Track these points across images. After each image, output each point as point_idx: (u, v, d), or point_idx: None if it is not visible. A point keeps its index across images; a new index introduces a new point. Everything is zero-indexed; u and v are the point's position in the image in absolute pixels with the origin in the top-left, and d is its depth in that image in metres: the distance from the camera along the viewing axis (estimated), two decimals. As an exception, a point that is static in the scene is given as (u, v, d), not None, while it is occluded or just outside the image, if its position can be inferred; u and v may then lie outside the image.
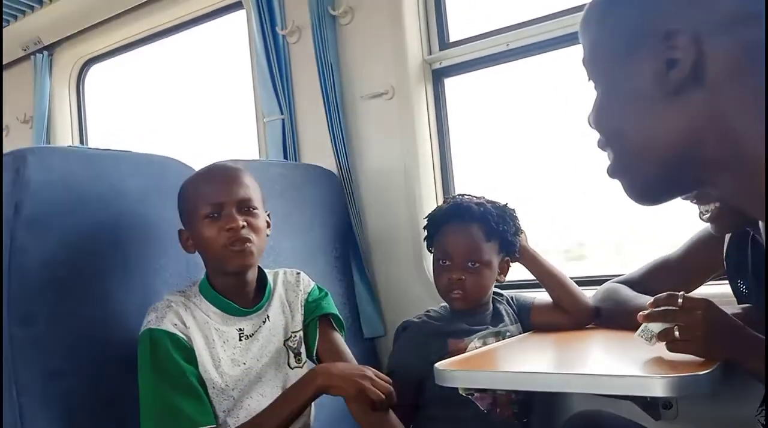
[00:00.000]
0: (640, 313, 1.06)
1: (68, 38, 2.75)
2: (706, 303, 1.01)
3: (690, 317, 1.00)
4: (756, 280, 1.12)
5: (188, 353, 1.13)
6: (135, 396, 1.11)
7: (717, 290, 1.34)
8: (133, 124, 2.96)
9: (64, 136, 2.84)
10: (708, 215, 1.08)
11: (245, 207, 1.18)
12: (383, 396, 1.11)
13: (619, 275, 1.47)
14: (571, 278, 1.49)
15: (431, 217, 1.49)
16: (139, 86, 2.97)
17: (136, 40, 2.65)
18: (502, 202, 1.46)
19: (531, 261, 1.47)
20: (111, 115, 3.00)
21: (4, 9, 2.64)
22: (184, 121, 2.75)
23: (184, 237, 1.21)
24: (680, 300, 1.02)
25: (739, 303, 1.16)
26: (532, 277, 1.51)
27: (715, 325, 0.99)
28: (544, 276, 1.46)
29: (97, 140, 2.92)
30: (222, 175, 1.20)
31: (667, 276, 1.09)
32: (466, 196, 1.47)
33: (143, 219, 1.31)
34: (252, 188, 1.20)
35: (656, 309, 1.04)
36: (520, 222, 1.47)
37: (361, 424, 1.19)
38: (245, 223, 1.15)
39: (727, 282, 1.24)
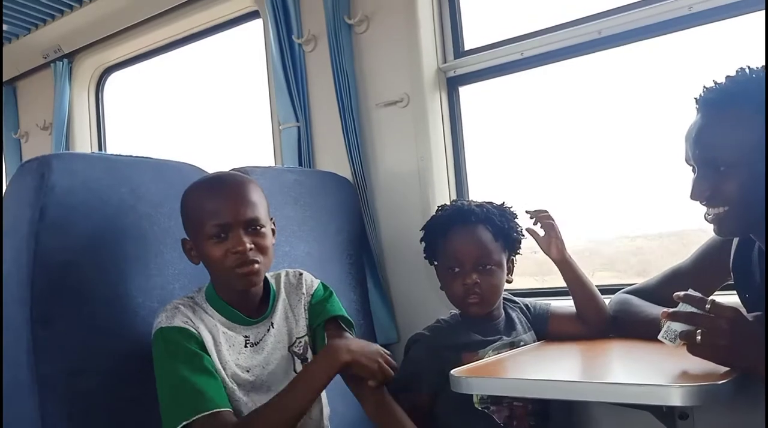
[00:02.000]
0: (664, 311, 1.04)
1: (88, 46, 2.80)
2: (735, 313, 1.00)
3: (717, 324, 0.99)
4: (762, 291, 1.11)
5: (201, 345, 1.13)
6: (155, 396, 1.12)
7: (725, 300, 1.33)
8: (152, 131, 3.00)
9: (83, 143, 2.88)
10: (712, 216, 1.08)
11: (252, 226, 1.15)
12: (392, 374, 1.16)
13: (632, 284, 1.47)
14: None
15: (431, 226, 1.48)
16: (157, 93, 3.01)
17: (155, 49, 2.68)
18: (499, 202, 1.47)
19: (568, 268, 1.42)
20: (130, 122, 3.04)
21: (25, 18, 2.70)
22: (202, 127, 2.78)
23: (188, 248, 1.20)
24: (708, 306, 1.00)
25: (748, 313, 1.16)
26: (543, 286, 1.50)
27: (741, 336, 0.98)
28: (577, 284, 1.42)
29: (115, 147, 2.96)
30: (228, 192, 1.16)
31: (679, 286, 1.09)
32: (462, 201, 1.48)
33: (163, 224, 1.32)
34: (258, 204, 1.17)
35: (682, 310, 1.03)
36: (518, 221, 1.47)
37: (370, 410, 1.21)
38: (253, 245, 1.14)
39: (734, 292, 1.23)
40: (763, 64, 1.07)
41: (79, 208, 1.18)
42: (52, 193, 1.13)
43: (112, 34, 2.69)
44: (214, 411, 1.07)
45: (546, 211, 1.43)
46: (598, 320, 1.41)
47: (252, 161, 1.67)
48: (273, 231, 1.22)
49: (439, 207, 1.54)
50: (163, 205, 1.33)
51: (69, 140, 2.84)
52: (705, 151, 1.08)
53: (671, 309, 1.04)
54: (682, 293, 1.04)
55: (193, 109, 2.83)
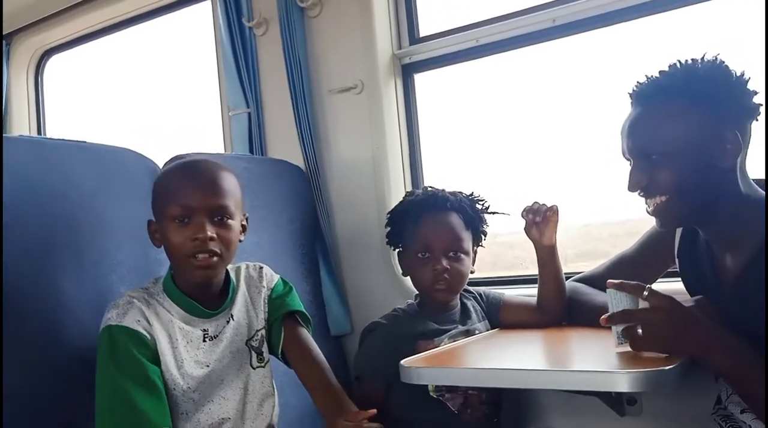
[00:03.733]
0: (602, 317, 1.06)
1: (26, 27, 2.66)
2: (671, 302, 1.01)
3: (654, 316, 1.00)
4: (714, 278, 1.13)
5: (151, 351, 1.08)
6: (89, 398, 1.06)
7: (668, 287, 1.33)
8: (96, 117, 2.88)
9: (21, 128, 2.74)
10: (652, 208, 1.09)
11: (219, 216, 1.11)
12: None
13: (579, 272, 1.48)
14: (526, 276, 1.46)
15: (401, 211, 1.45)
16: (103, 78, 2.88)
17: (98, 30, 2.56)
18: (468, 192, 1.46)
19: (551, 255, 1.37)
20: (73, 107, 2.90)
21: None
22: (150, 113, 2.68)
23: (152, 230, 1.16)
24: (646, 293, 1.02)
25: (692, 297, 1.17)
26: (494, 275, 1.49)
27: (680, 324, 0.99)
28: (552, 271, 1.38)
29: (56, 133, 2.82)
30: (200, 176, 1.11)
31: (625, 273, 1.11)
32: (434, 188, 1.46)
33: (98, 213, 1.25)
34: (230, 194, 1.13)
35: (615, 311, 1.05)
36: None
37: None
38: (215, 235, 1.09)
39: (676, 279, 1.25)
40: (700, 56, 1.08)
41: (5, 195, 1.10)
42: (-27, 179, 1.05)
43: (52, 15, 2.55)
44: None
45: (543, 204, 1.36)
46: (560, 308, 1.40)
47: (202, 148, 1.61)
48: (244, 227, 1.18)
49: (408, 192, 1.52)
50: (99, 192, 1.26)
51: (6, 125, 2.70)
52: (638, 141, 1.09)
53: (606, 315, 1.05)
54: (615, 281, 1.06)
55: (140, 94, 2.72)
